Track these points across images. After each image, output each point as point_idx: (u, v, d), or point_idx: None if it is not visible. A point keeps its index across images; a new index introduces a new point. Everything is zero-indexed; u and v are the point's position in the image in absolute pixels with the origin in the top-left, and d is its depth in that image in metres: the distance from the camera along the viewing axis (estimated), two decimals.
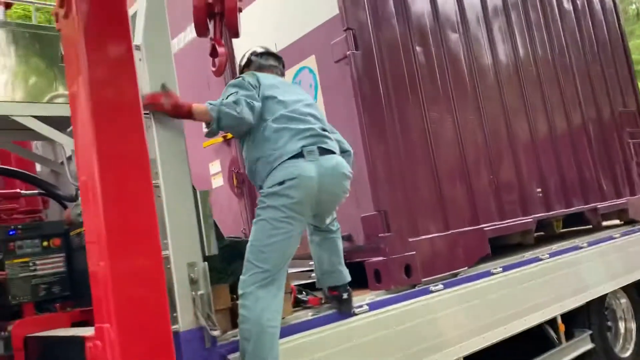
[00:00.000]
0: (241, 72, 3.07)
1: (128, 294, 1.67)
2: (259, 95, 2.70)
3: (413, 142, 3.60)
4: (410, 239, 3.38)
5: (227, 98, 2.61)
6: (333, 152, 2.71)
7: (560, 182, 4.77)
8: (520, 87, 4.65)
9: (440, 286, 3.39)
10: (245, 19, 4.23)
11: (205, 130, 2.65)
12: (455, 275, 3.58)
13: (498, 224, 4.03)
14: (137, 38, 2.48)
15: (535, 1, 5.17)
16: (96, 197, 1.75)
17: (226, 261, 2.91)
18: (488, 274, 3.74)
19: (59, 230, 2.64)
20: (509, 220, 4.13)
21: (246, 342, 2.38)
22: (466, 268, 3.65)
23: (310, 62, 3.70)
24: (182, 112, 2.52)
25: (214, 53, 3.14)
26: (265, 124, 2.65)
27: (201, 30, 3.09)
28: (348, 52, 3.37)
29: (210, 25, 3.13)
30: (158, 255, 1.85)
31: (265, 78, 2.82)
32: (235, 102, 2.56)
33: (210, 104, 2.56)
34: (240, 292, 2.47)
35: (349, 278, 2.96)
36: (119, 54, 1.89)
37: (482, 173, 4.06)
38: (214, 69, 3.15)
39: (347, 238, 3.49)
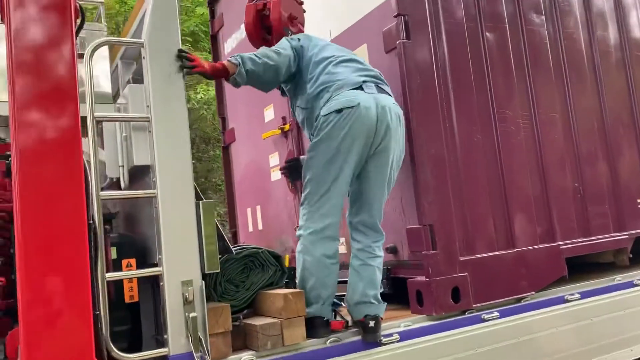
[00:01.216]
0: None
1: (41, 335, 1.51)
2: (305, 46, 2.80)
3: (475, 144, 3.12)
4: (462, 258, 2.94)
5: None
6: (389, 95, 2.74)
7: None
8: (625, 76, 3.90)
9: (496, 314, 2.93)
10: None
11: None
12: (519, 300, 3.09)
13: (580, 242, 3.42)
14: (143, 35, 2.30)
15: None
16: (16, 207, 1.60)
17: (245, 273, 2.71)
18: (561, 300, 3.19)
19: None
20: (595, 237, 3.50)
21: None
22: (533, 293, 3.13)
23: (362, 51, 3.33)
24: (218, 71, 2.57)
25: None
26: (325, 63, 2.73)
27: (256, 42, 3.08)
28: (398, 42, 2.95)
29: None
30: (84, 292, 1.66)
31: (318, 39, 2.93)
32: (255, 52, 2.65)
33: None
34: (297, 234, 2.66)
35: (381, 313, 2.63)
36: (54, 50, 1.69)
37: (564, 180, 3.45)
38: None
39: (392, 250, 3.14)
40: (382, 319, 2.62)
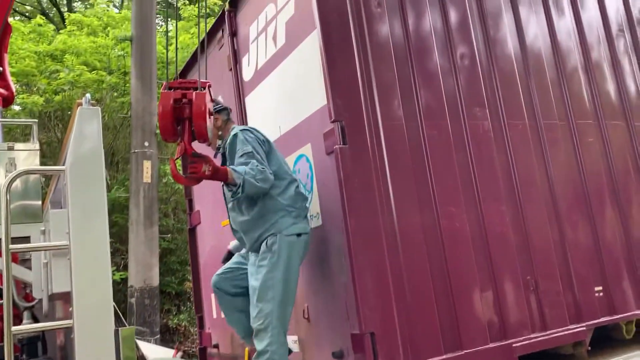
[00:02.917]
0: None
1: None
2: (270, 152, 3.12)
3: (418, 244, 3.10)
4: None
5: (241, 157, 2.99)
6: None
7: (632, 276, 3.92)
8: (576, 164, 3.91)
9: None
10: (252, 101, 4.04)
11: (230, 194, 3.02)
12: None
13: (534, 338, 3.35)
14: (66, 161, 2.32)
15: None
16: None
17: None
18: None
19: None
20: (551, 331, 3.43)
21: None
22: None
23: (307, 150, 3.36)
24: (220, 176, 2.88)
25: (183, 157, 2.95)
26: (285, 183, 3.10)
27: (168, 135, 2.92)
28: (335, 147, 2.98)
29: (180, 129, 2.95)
30: None
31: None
32: (254, 173, 2.90)
33: (235, 170, 2.89)
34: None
35: None
36: None
37: (514, 275, 3.40)
38: (183, 176, 2.96)
39: (338, 355, 3.07)
40: None
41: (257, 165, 2.95)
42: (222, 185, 3.18)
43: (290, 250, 2.98)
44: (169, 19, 18.48)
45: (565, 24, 4.24)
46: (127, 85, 9.33)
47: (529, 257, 3.49)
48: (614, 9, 4.61)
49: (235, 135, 3.10)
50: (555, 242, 3.64)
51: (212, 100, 3.08)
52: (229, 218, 3.30)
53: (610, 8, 4.57)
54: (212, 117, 2.98)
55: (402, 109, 3.25)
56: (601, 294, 3.74)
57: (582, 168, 3.91)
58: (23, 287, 2.96)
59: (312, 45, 3.24)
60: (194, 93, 2.85)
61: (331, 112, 3.01)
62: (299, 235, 3.00)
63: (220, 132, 3.28)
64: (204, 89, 2.90)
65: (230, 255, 3.65)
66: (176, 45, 3.97)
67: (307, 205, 3.22)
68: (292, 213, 3.04)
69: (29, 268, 2.87)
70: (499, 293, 3.30)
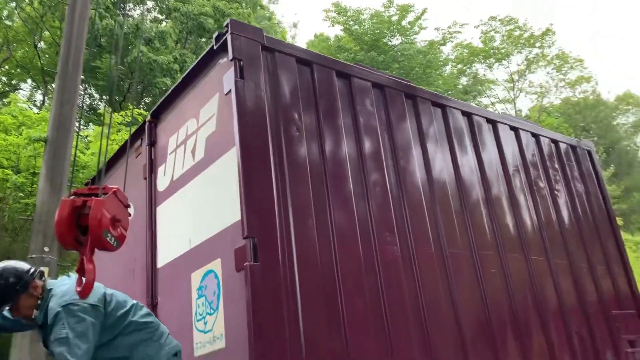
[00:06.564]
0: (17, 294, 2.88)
1: None
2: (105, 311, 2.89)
3: None
4: None
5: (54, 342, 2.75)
6: None
7: None
8: (479, 291, 4.05)
9: None
10: (163, 211, 3.95)
11: None
12: None
13: None
14: None
15: None
16: None
17: None
18: None
19: None
20: None
21: None
22: None
23: (216, 265, 3.26)
24: None
25: (81, 269, 2.63)
26: (130, 313, 2.99)
27: (66, 244, 2.65)
28: (245, 264, 2.92)
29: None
30: None
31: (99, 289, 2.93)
32: None
33: None
34: None
35: None
36: None
37: None
38: (78, 289, 2.68)
39: None
40: None
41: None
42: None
43: None
44: (89, 123, 18.27)
45: (467, 161, 4.60)
46: (35, 186, 8.90)
47: None
48: (510, 151, 5.10)
49: (56, 314, 2.79)
50: None
51: (127, 206, 2.83)
52: None
53: (507, 150, 5.05)
54: (117, 224, 2.69)
55: (316, 230, 3.28)
56: None
57: (485, 296, 4.04)
58: None
59: (230, 161, 3.27)
60: (93, 201, 2.62)
61: (244, 228, 2.98)
62: (175, 354, 3.05)
63: (39, 302, 2.91)
64: (106, 194, 2.67)
65: None
66: (106, 151, 3.83)
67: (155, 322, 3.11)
68: (154, 335, 3.02)
69: None
70: None
